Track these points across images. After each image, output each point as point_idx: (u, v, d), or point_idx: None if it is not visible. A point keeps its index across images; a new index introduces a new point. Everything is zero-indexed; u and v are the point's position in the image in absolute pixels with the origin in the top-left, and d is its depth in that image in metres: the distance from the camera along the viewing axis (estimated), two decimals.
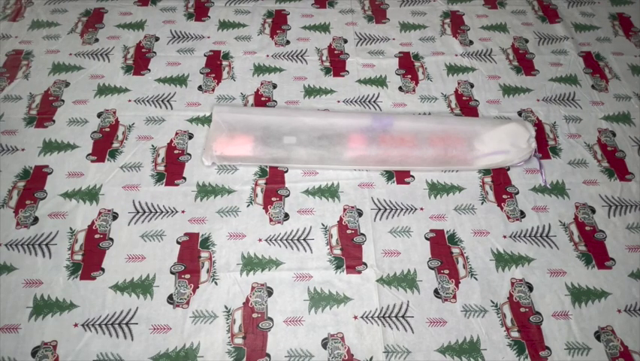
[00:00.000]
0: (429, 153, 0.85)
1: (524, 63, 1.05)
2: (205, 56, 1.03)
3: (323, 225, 0.81)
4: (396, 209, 0.83)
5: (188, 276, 0.75)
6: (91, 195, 0.81)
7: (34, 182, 0.83)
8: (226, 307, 0.72)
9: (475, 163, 0.86)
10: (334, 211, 0.82)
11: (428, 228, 0.81)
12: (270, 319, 0.72)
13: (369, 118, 0.89)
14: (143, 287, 0.73)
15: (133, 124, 0.91)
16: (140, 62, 1.01)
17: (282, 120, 0.87)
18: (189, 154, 0.88)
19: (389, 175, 0.86)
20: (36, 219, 0.79)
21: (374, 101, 0.97)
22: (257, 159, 0.85)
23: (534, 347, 0.71)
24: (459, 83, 1.00)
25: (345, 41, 1.07)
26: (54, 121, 0.90)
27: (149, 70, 0.99)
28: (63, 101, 0.93)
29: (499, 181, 0.86)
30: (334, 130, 0.87)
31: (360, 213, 0.82)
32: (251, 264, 0.76)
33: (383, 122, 0.88)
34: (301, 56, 1.04)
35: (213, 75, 0.99)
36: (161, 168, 0.86)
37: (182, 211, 0.81)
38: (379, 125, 0.87)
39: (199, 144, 0.89)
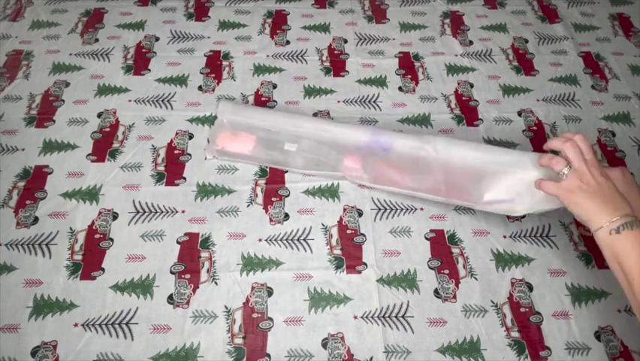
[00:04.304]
0: (425, 184, 0.78)
1: (524, 63, 1.05)
2: (205, 56, 1.03)
3: (323, 225, 0.81)
4: (396, 209, 0.83)
5: (188, 276, 0.75)
6: (91, 195, 0.82)
7: (34, 182, 0.83)
8: (226, 307, 0.72)
9: (478, 206, 0.76)
10: (334, 211, 0.82)
11: (428, 228, 0.81)
12: (270, 319, 0.72)
13: (368, 134, 0.81)
14: (143, 287, 0.73)
15: (133, 124, 0.91)
16: (140, 62, 1.01)
17: (284, 125, 0.85)
18: (189, 154, 0.88)
19: None
20: (36, 219, 0.79)
21: (374, 101, 0.97)
22: (256, 159, 0.85)
23: (534, 347, 0.71)
24: (459, 83, 1.01)
25: (345, 41, 1.07)
26: (54, 121, 0.90)
27: (150, 70, 0.99)
28: (63, 101, 0.94)
29: None
30: (335, 143, 0.83)
31: (360, 214, 0.82)
32: (251, 264, 0.76)
33: (382, 143, 0.80)
34: (301, 56, 1.04)
35: (213, 75, 0.99)
36: (161, 168, 0.86)
37: (183, 211, 0.81)
38: (377, 145, 0.80)
39: (199, 144, 0.89)
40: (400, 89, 0.99)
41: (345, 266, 0.77)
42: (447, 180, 0.77)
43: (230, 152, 0.85)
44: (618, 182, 0.65)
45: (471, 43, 1.08)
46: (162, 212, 0.81)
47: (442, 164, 0.77)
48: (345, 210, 0.82)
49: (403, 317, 0.73)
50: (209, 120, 0.92)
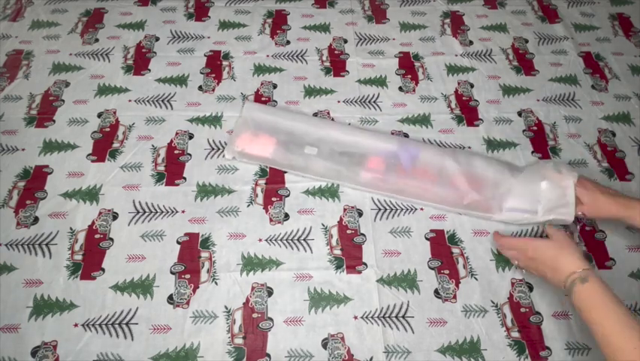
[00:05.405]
0: (449, 193, 0.81)
1: (524, 63, 1.05)
2: (205, 56, 1.03)
3: (323, 225, 0.81)
4: (397, 209, 0.83)
5: (188, 276, 0.75)
6: (91, 195, 0.82)
7: (34, 182, 0.83)
8: (226, 308, 0.72)
9: (495, 215, 0.80)
10: (334, 211, 0.82)
11: (428, 228, 0.81)
12: (270, 319, 0.72)
13: (396, 144, 0.85)
14: (143, 287, 0.73)
15: (133, 124, 0.91)
16: (140, 62, 1.01)
17: (308, 128, 0.87)
18: (189, 154, 0.88)
19: None
20: (36, 219, 0.79)
21: (374, 101, 0.97)
22: (275, 162, 0.85)
23: (534, 347, 0.71)
24: (459, 83, 1.01)
25: (345, 41, 1.07)
26: (54, 121, 0.90)
27: (150, 70, 0.99)
28: (63, 101, 0.93)
29: None
30: (357, 148, 0.85)
31: (360, 214, 0.82)
32: (251, 264, 0.76)
33: (410, 152, 0.84)
34: (301, 56, 1.04)
35: (213, 75, 0.99)
36: (162, 168, 0.86)
37: (183, 211, 0.81)
38: (406, 154, 0.83)
39: (199, 144, 0.89)
40: (400, 89, 0.99)
41: (345, 266, 0.77)
42: (470, 190, 0.80)
43: (249, 154, 0.85)
44: (555, 241, 0.70)
45: (471, 43, 1.08)
46: (162, 212, 0.81)
47: (464, 174, 0.81)
48: (345, 210, 0.82)
49: (403, 317, 0.72)
50: (210, 120, 0.92)
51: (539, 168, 0.81)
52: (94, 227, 0.78)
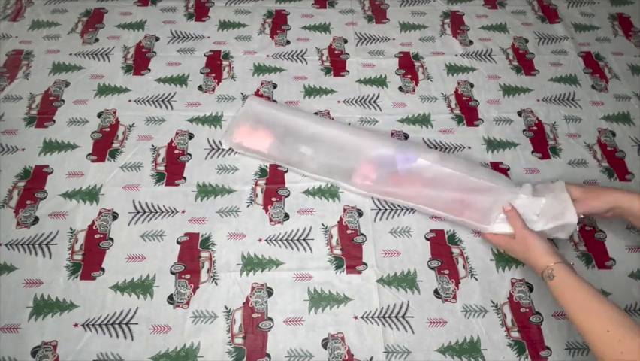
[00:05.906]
0: (444, 195, 0.78)
1: (524, 63, 1.05)
2: (205, 56, 1.03)
3: (323, 225, 0.81)
4: (396, 209, 0.83)
5: (188, 276, 0.75)
6: (91, 195, 0.82)
7: (34, 182, 0.83)
8: (226, 308, 0.72)
9: (489, 226, 0.77)
10: (334, 211, 0.82)
11: (428, 228, 0.81)
12: (270, 319, 0.72)
13: (393, 147, 0.82)
14: (143, 287, 0.73)
15: (133, 124, 0.91)
16: (140, 62, 1.01)
17: (307, 125, 0.86)
18: (189, 154, 0.88)
19: None
20: (36, 219, 0.79)
21: (374, 101, 0.97)
22: (271, 157, 0.85)
23: (534, 347, 0.71)
24: (459, 83, 1.01)
25: (345, 41, 1.07)
26: (54, 121, 0.90)
27: (150, 70, 0.99)
28: (63, 101, 0.94)
29: None
30: (355, 148, 0.83)
31: (360, 214, 0.82)
32: (251, 264, 0.76)
33: (408, 156, 0.80)
34: (301, 56, 1.04)
35: (213, 75, 0.99)
36: (161, 168, 0.86)
37: (183, 211, 0.81)
38: (403, 158, 0.80)
39: (199, 143, 0.89)
40: (400, 89, 0.99)
41: (345, 266, 0.77)
42: (466, 195, 0.78)
43: (246, 147, 0.86)
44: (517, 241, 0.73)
45: (471, 43, 1.08)
46: (162, 212, 0.81)
47: (462, 182, 0.78)
48: (345, 210, 0.82)
49: (403, 317, 0.73)
50: (210, 120, 0.92)
51: (531, 186, 0.79)
52: (94, 227, 0.78)
